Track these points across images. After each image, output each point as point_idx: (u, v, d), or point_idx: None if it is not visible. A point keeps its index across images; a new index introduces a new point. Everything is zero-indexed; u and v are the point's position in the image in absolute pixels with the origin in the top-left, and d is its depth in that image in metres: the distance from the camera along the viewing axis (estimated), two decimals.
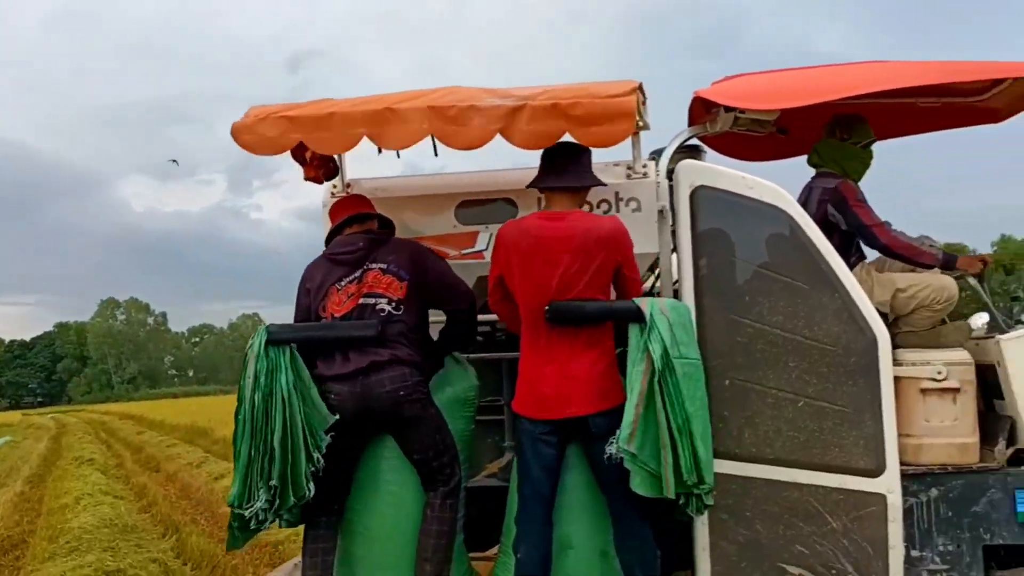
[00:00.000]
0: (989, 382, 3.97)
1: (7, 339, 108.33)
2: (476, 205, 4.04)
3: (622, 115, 3.25)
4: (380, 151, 3.59)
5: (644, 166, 3.98)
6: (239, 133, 3.41)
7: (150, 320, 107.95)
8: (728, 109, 3.94)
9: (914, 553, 3.75)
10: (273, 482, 3.32)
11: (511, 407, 3.63)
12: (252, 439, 3.33)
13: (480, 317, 3.94)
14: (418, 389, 3.55)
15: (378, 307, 3.54)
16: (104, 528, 7.56)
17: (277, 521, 3.47)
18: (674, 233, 3.89)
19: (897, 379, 3.81)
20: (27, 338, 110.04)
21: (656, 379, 3.24)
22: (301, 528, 3.71)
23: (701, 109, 4.17)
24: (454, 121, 3.31)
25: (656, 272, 4.22)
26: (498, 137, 3.32)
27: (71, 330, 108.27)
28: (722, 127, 4.06)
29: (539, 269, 3.43)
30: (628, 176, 3.96)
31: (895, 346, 4.02)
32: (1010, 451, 3.77)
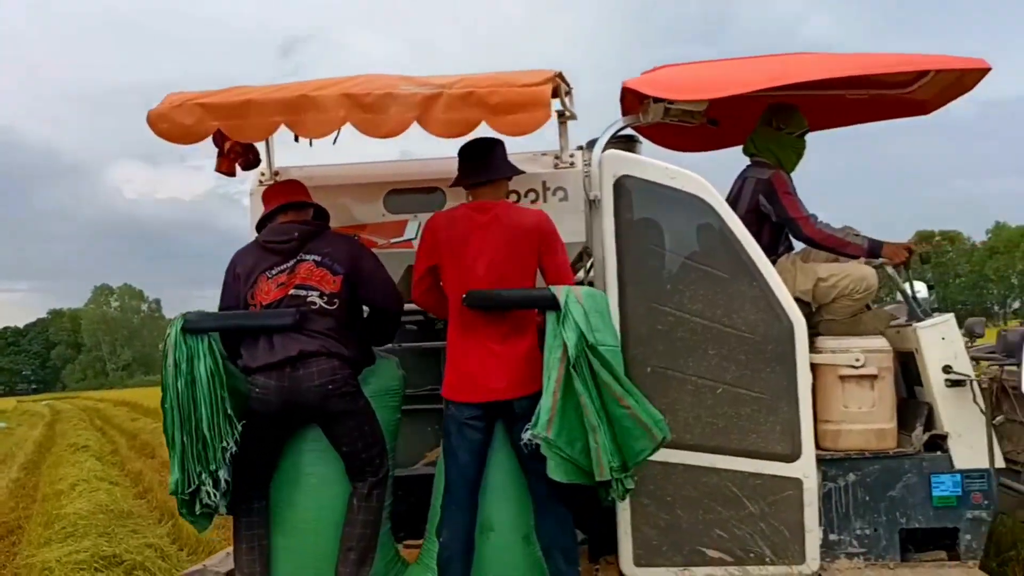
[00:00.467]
0: (911, 369, 3.95)
1: (0, 326, 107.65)
2: (405, 194, 3.96)
3: (537, 104, 3.19)
4: (297, 139, 3.51)
5: (571, 156, 3.92)
6: (155, 121, 3.32)
7: (144, 307, 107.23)
8: (657, 100, 3.89)
9: (832, 537, 3.74)
10: (212, 467, 3.27)
11: (441, 394, 3.57)
12: (182, 427, 3.27)
13: (412, 306, 3.90)
14: (348, 383, 3.46)
15: (309, 299, 3.45)
16: (100, 514, 7.43)
17: (221, 506, 3.39)
18: None
19: (817, 366, 3.81)
20: (20, 325, 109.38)
21: (572, 366, 3.19)
22: None
23: (634, 99, 4.11)
24: (370, 109, 3.23)
25: (590, 262, 4.17)
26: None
27: (65, 317, 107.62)
28: (653, 117, 4.00)
29: (470, 258, 3.40)
30: (556, 166, 3.90)
31: (818, 334, 4.01)
32: (926, 436, 3.75)
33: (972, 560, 3.68)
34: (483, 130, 3.25)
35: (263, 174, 4.03)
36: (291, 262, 3.48)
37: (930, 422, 3.78)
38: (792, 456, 3.59)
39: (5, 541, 7.74)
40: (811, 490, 3.59)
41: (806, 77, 3.85)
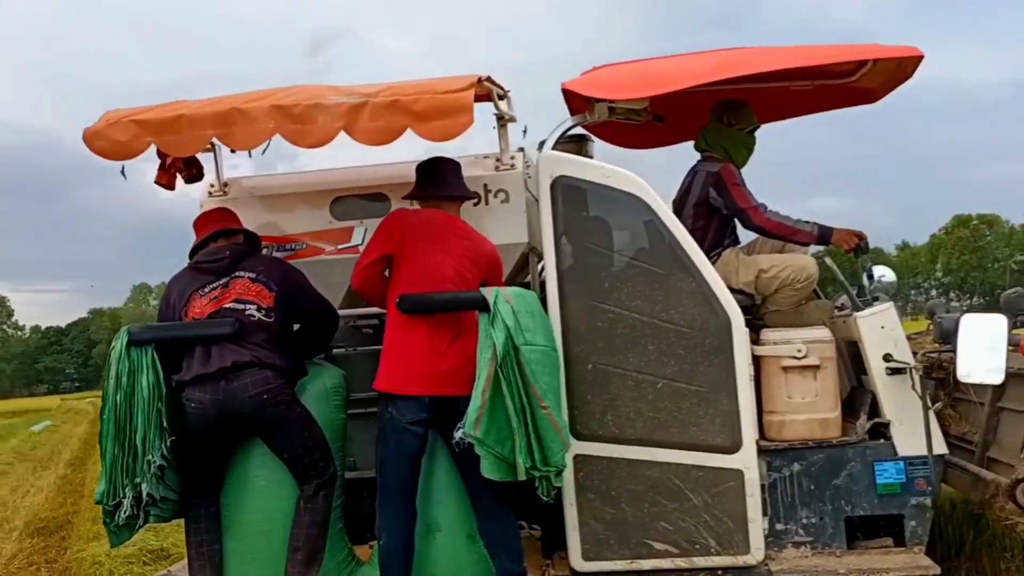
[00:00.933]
0: (859, 358, 3.88)
1: (43, 325, 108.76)
2: (351, 200, 3.94)
3: (460, 109, 3.15)
4: (232, 151, 3.50)
5: (512, 158, 3.88)
6: (91, 139, 3.32)
7: None
8: (599, 100, 3.84)
9: (779, 526, 3.68)
10: (138, 479, 3.27)
11: (375, 387, 3.51)
12: (116, 438, 3.27)
13: (372, 310, 3.89)
14: (282, 391, 3.44)
15: (247, 312, 3.44)
16: None
17: (146, 517, 3.39)
18: None
19: (760, 358, 3.75)
20: (62, 324, 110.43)
21: (499, 365, 3.16)
22: None
23: (582, 99, 4.05)
24: (299, 120, 3.21)
25: (540, 264, 4.12)
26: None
27: (105, 316, 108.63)
28: (599, 117, 3.95)
29: (437, 256, 3.42)
30: (496, 168, 3.87)
31: (764, 326, 3.95)
32: (869, 424, 3.68)
33: (917, 546, 3.61)
34: (409, 137, 3.22)
35: (212, 185, 4.02)
36: (224, 279, 3.50)
37: (874, 410, 3.71)
38: (732, 448, 3.54)
39: (55, 536, 7.87)
40: (752, 481, 3.54)
41: (743, 71, 3.79)
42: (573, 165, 3.67)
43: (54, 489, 10.49)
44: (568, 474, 3.55)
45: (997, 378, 3.40)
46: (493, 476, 3.22)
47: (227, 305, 3.44)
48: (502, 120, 3.78)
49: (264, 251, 3.80)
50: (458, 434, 3.22)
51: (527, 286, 3.93)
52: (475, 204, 3.84)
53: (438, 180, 3.58)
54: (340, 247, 3.90)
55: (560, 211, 3.63)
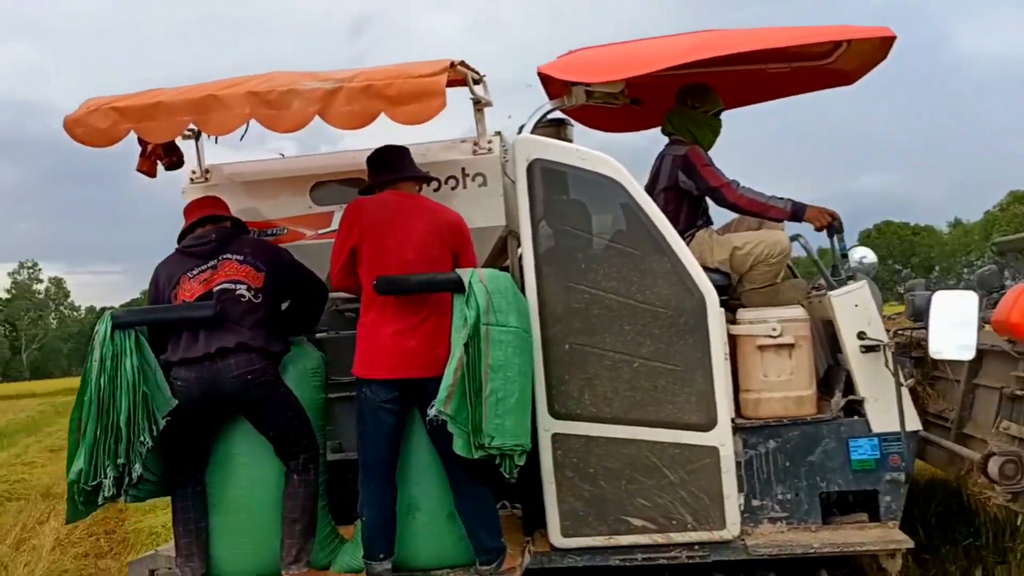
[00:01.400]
0: (835, 337, 3.90)
1: (98, 306, 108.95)
2: (330, 186, 3.96)
3: (432, 93, 3.19)
4: (209, 136, 3.53)
5: (489, 142, 3.89)
6: (72, 127, 3.35)
7: None
8: (575, 83, 3.86)
9: (755, 502, 3.70)
10: (120, 460, 3.30)
11: (353, 372, 3.55)
12: (99, 420, 3.31)
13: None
14: (267, 372, 3.50)
15: (238, 292, 3.50)
16: None
17: (124, 497, 3.45)
18: None
19: (736, 337, 3.77)
20: (117, 305, 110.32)
21: (468, 343, 3.19)
22: None
23: (560, 83, 4.07)
24: (274, 105, 3.25)
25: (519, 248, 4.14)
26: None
27: None
28: (577, 100, 3.98)
29: (398, 239, 3.44)
30: (474, 152, 3.88)
31: (740, 305, 3.97)
32: (844, 401, 3.70)
33: (892, 521, 3.64)
34: (383, 121, 3.24)
35: (194, 172, 4.04)
36: (213, 261, 3.54)
37: (849, 388, 3.73)
38: (708, 426, 3.56)
39: (113, 509, 8.01)
40: (728, 458, 3.57)
41: (718, 52, 3.80)
42: (549, 148, 3.68)
43: None
44: (547, 453, 3.58)
45: (967, 354, 3.42)
46: (465, 453, 3.25)
47: (217, 286, 3.47)
48: (479, 104, 3.79)
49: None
50: (431, 412, 3.25)
51: (506, 270, 3.95)
52: (452, 188, 3.86)
53: (389, 165, 3.61)
54: (320, 232, 3.92)
55: (537, 194, 3.65)
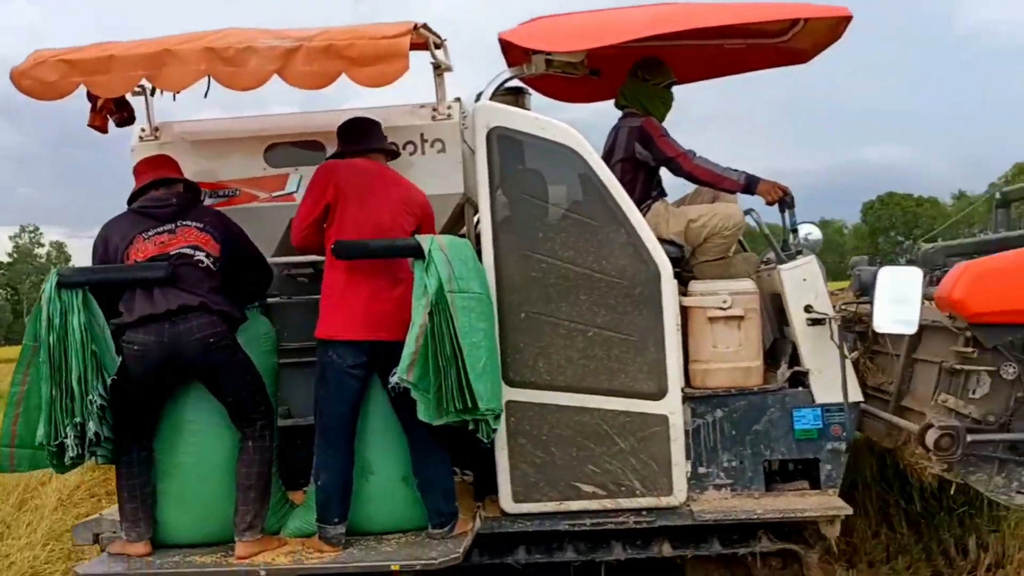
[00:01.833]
0: (783, 310, 3.99)
1: None
2: (286, 148, 3.89)
3: (395, 55, 3.15)
4: (154, 92, 3.44)
5: (448, 108, 3.86)
6: (19, 78, 3.23)
7: None
8: (536, 51, 3.84)
9: (701, 470, 3.79)
10: (78, 419, 3.24)
11: (316, 335, 3.53)
12: (52, 379, 3.23)
13: (307, 258, 3.88)
14: (227, 336, 3.45)
15: (196, 258, 3.44)
16: None
17: (93, 458, 3.40)
18: None
19: (688, 309, 3.83)
20: None
21: (432, 311, 3.19)
22: None
23: (519, 51, 4.04)
24: (231, 62, 3.17)
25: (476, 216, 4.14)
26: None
27: None
28: (536, 69, 3.96)
29: (374, 204, 3.43)
30: (433, 118, 3.85)
31: (692, 277, 4.04)
32: (789, 373, 3.80)
33: (832, 488, 3.77)
34: (343, 82, 3.19)
35: (143, 130, 3.93)
36: (171, 225, 3.47)
37: (795, 359, 3.83)
38: (659, 395, 3.63)
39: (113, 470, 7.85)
40: (677, 426, 3.64)
41: (678, 27, 3.81)
42: (509, 116, 3.68)
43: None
44: (500, 420, 3.61)
45: (910, 329, 3.53)
46: (428, 419, 3.26)
47: (175, 251, 3.41)
48: (439, 69, 3.75)
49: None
50: (393, 379, 3.25)
51: (463, 237, 3.94)
52: (411, 154, 3.83)
53: (365, 135, 3.60)
54: (274, 195, 3.86)
55: (496, 162, 3.64)
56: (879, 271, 3.56)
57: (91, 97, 3.63)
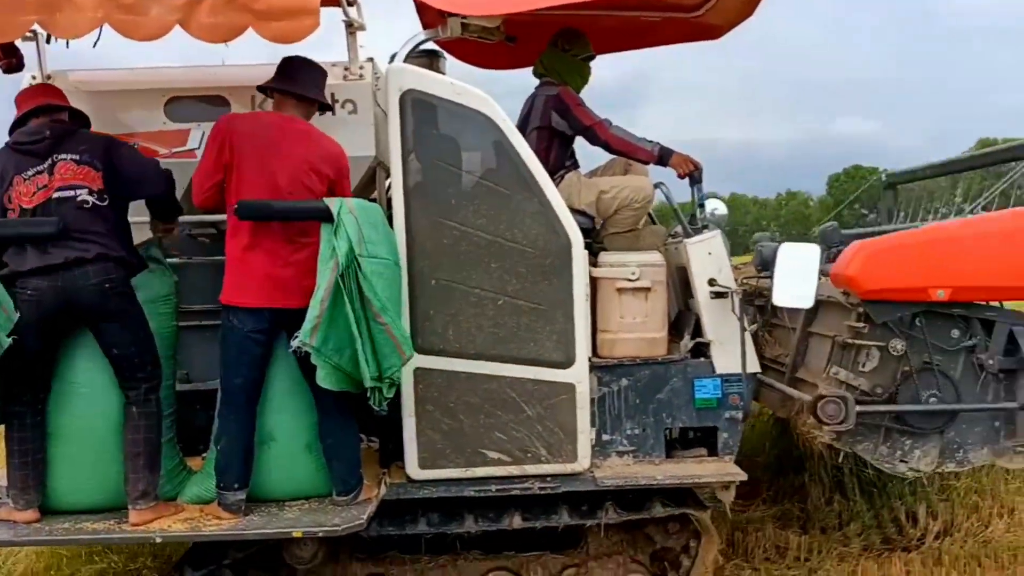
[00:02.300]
0: (687, 283, 4.08)
1: None
2: (188, 102, 3.73)
3: (304, 11, 3.04)
4: (49, 40, 3.25)
5: (361, 68, 3.77)
6: None
7: None
8: (451, 14, 3.77)
9: (605, 437, 3.87)
10: None
11: (220, 299, 3.43)
12: None
13: (209, 218, 3.74)
14: (124, 283, 3.34)
15: (79, 199, 3.26)
16: None
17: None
18: None
19: (597, 279, 3.88)
20: None
21: (340, 276, 3.13)
22: None
23: (435, 14, 3.96)
24: (131, 10, 3.00)
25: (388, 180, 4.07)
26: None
27: None
28: (452, 33, 3.88)
29: (273, 164, 3.30)
30: (345, 78, 3.76)
31: (602, 249, 4.08)
32: (692, 344, 3.90)
33: (728, 455, 3.90)
34: (250, 36, 3.07)
35: (34, 77, 3.71)
36: (47, 162, 3.29)
37: (698, 331, 3.94)
38: (566, 364, 3.68)
39: None
40: (583, 394, 3.70)
41: None
42: (423, 79, 3.61)
43: None
44: (408, 387, 3.60)
45: (807, 303, 3.66)
46: (328, 385, 3.22)
47: (56, 195, 3.23)
48: (351, 27, 3.66)
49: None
50: (295, 343, 3.19)
51: (374, 201, 3.88)
52: (321, 113, 3.72)
53: (290, 76, 3.44)
54: (175, 150, 3.71)
55: (409, 126, 3.58)
56: (779, 247, 3.68)
57: None
